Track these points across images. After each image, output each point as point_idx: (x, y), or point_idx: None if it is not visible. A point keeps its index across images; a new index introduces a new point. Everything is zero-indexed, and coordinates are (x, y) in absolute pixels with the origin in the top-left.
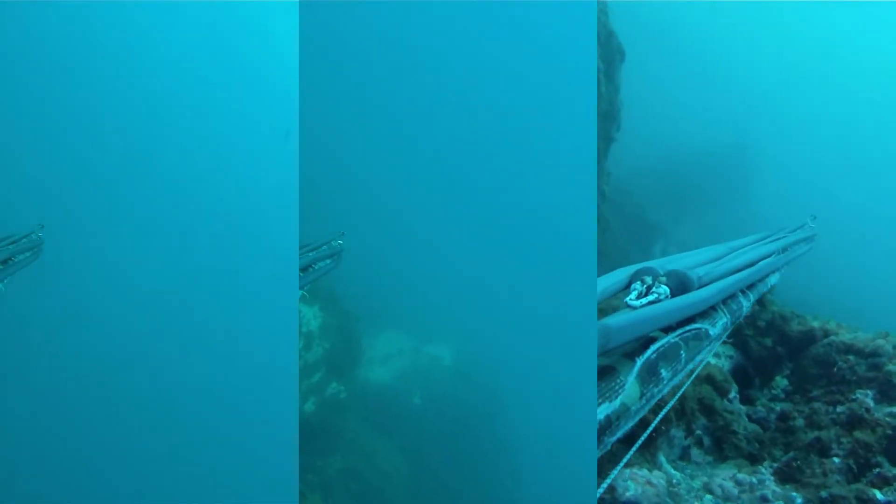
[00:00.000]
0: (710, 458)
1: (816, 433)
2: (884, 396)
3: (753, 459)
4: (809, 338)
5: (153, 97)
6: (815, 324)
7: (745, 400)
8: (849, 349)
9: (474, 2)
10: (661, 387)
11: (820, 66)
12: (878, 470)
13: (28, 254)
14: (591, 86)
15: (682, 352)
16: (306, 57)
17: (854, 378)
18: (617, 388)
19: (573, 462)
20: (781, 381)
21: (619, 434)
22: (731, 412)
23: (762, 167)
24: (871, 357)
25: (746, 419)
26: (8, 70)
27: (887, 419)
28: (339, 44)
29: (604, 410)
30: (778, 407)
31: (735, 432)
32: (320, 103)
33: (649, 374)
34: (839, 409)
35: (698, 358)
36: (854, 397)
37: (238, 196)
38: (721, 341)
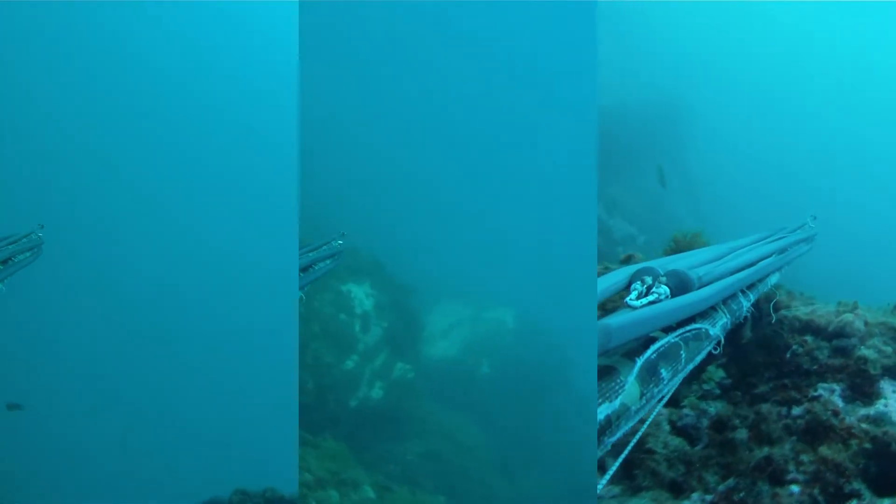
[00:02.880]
0: (615, 490)
1: (766, 449)
2: (856, 392)
3: (678, 489)
4: (751, 312)
5: (152, 97)
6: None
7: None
8: (805, 327)
9: (475, 1)
10: (661, 387)
11: (756, 26)
12: (854, 502)
13: (28, 254)
14: (591, 85)
15: (682, 352)
16: (306, 57)
17: (815, 367)
18: (617, 388)
19: (573, 462)
20: (716, 373)
21: (619, 434)
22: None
23: (694, 126)
24: (837, 338)
25: (669, 429)
26: (7, 70)
27: (864, 426)
28: (340, 43)
29: (604, 410)
30: (712, 409)
31: (651, 451)
32: (320, 103)
33: (649, 374)
34: (796, 411)
35: (698, 358)
36: (816, 394)
37: (238, 196)
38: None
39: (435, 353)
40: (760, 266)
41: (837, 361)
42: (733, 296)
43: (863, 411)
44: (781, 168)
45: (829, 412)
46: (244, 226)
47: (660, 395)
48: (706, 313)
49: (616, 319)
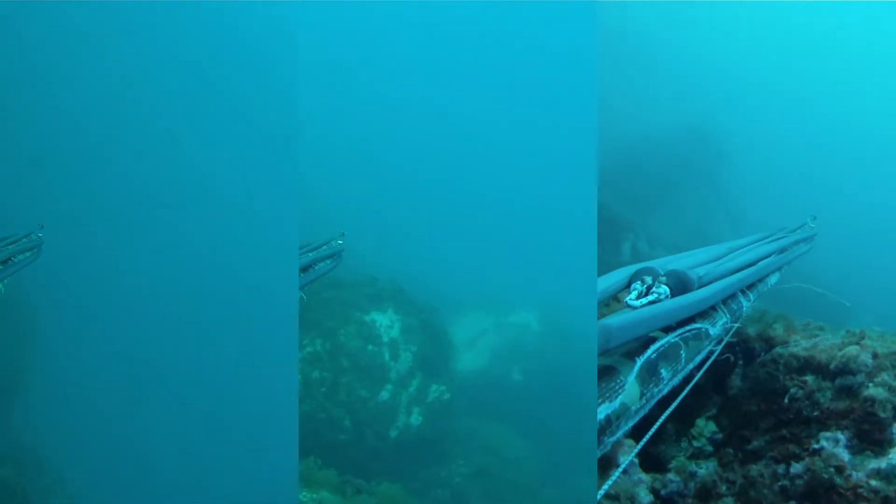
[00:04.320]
0: None
1: None
2: (864, 441)
3: None
4: (744, 353)
5: (152, 96)
6: (751, 330)
7: (651, 461)
8: (805, 366)
9: (476, 2)
10: (661, 386)
11: (789, 48)
12: None
13: (28, 254)
14: (591, 85)
15: (682, 352)
16: (306, 57)
17: (816, 413)
18: (617, 387)
19: (573, 462)
20: (707, 427)
21: (619, 434)
22: (617, 496)
23: (732, 151)
24: (841, 376)
25: (651, 499)
26: (7, 70)
27: (874, 483)
28: (340, 44)
29: (604, 410)
30: (702, 470)
31: None
32: (320, 103)
33: (649, 374)
34: (795, 469)
35: (698, 358)
36: (818, 447)
37: (238, 196)
38: (722, 342)
39: (464, 367)
40: (760, 266)
41: (842, 404)
42: (733, 296)
43: (873, 464)
44: (826, 185)
45: (832, 469)
46: (244, 226)
47: (660, 395)
48: (706, 313)
49: (616, 319)
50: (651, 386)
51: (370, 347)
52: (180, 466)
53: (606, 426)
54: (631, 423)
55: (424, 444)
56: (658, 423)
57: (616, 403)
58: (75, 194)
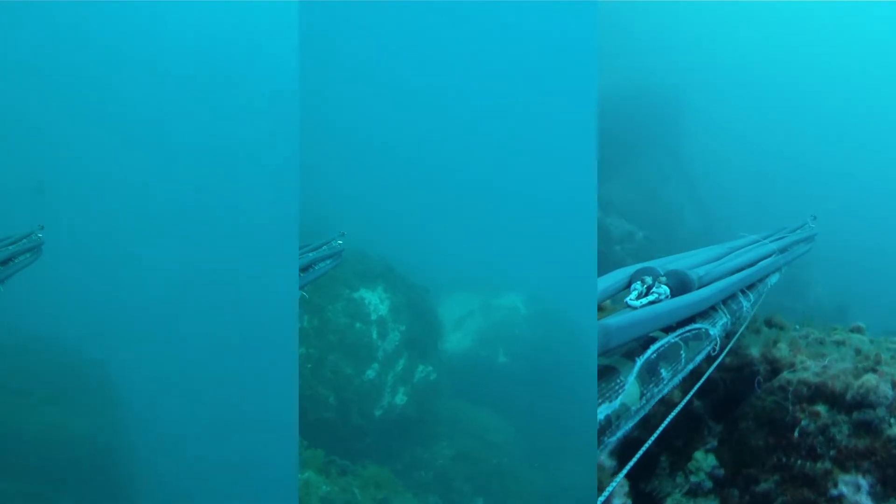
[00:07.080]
0: None
1: None
2: (890, 486)
3: None
4: (746, 377)
5: (153, 97)
6: (755, 351)
7: (643, 499)
8: (816, 394)
9: (475, 2)
10: (661, 387)
11: (753, 16)
12: None
13: (28, 254)
14: (591, 85)
15: (682, 352)
16: (306, 57)
17: (831, 452)
18: (617, 388)
19: (573, 462)
20: (706, 460)
21: (619, 434)
22: None
23: (690, 117)
24: (858, 409)
25: None
26: (7, 70)
27: None
28: (340, 43)
29: (604, 410)
30: None
31: None
32: (320, 103)
33: (649, 374)
34: None
35: (698, 358)
36: (836, 493)
37: (238, 196)
38: (723, 346)
39: (449, 347)
40: (760, 266)
41: (861, 443)
42: (733, 296)
43: None
44: (780, 155)
45: None
46: (244, 226)
47: (660, 395)
48: (706, 313)
49: (616, 319)
50: (651, 386)
51: (358, 325)
52: (180, 464)
53: (606, 426)
54: (631, 424)
55: (409, 424)
56: (658, 431)
57: (616, 403)
58: (75, 194)
